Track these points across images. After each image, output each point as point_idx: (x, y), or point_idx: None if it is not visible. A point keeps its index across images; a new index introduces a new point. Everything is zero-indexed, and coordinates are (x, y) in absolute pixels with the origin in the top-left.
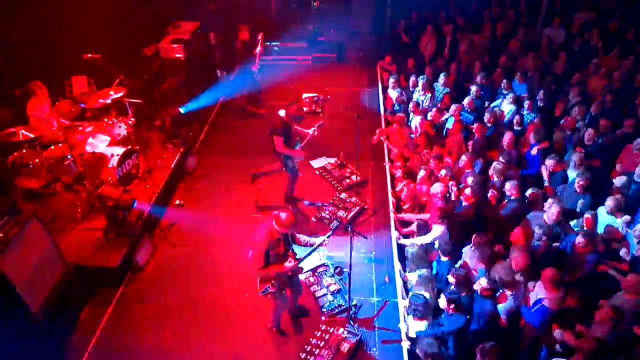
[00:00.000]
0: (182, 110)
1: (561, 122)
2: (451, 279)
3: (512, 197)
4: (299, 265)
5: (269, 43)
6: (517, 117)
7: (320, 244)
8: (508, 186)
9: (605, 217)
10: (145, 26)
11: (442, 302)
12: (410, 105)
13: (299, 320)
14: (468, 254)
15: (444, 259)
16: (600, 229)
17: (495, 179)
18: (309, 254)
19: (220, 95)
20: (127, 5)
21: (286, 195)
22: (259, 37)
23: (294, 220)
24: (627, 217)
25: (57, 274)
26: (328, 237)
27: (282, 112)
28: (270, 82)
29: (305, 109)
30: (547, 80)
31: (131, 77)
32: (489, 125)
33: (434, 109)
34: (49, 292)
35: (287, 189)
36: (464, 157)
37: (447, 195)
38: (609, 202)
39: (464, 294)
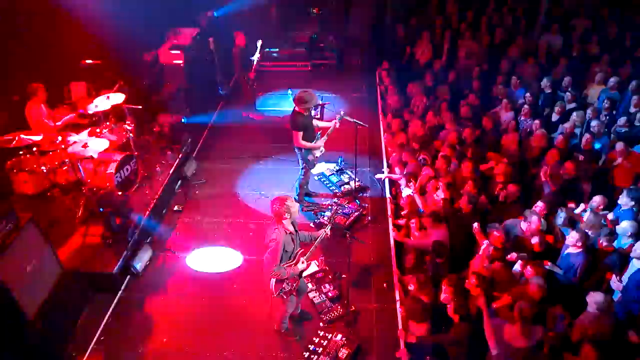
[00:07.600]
0: (184, 120)
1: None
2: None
3: None
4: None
5: (267, 50)
6: (512, 122)
7: (323, 237)
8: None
9: None
10: (144, 32)
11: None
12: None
13: (302, 324)
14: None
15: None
16: None
17: None
18: (313, 248)
19: None
20: (127, 12)
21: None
22: (258, 44)
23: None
24: None
25: (54, 280)
26: (330, 228)
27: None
28: (269, 88)
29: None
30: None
31: (130, 83)
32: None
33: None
34: (45, 298)
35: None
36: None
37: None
38: None
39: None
